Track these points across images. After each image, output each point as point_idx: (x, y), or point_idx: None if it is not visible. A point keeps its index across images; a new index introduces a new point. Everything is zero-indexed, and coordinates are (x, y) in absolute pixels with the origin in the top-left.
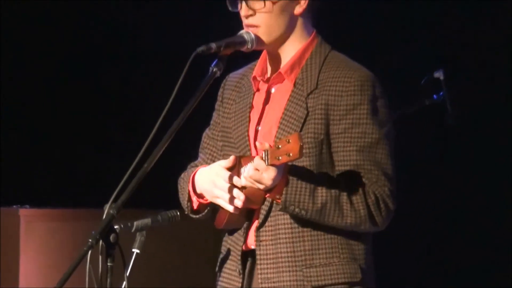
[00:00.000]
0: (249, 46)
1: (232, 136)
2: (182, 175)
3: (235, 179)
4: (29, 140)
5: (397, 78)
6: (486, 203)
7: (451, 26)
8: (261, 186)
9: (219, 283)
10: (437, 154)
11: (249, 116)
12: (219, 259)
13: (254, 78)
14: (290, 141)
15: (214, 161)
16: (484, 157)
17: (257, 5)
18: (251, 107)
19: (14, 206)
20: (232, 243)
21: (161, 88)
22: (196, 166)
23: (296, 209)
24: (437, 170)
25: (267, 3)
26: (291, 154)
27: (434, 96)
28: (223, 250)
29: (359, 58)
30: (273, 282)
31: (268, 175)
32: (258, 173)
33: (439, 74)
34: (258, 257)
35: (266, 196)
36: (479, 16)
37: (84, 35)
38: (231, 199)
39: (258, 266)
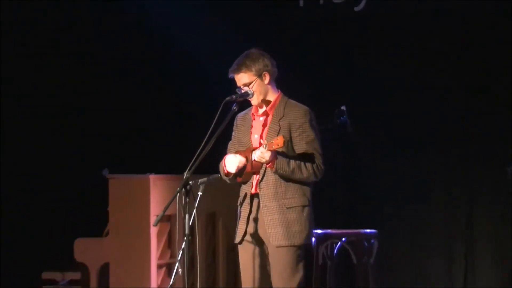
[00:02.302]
0: (251, 97)
1: (242, 141)
2: (221, 162)
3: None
4: (157, 133)
5: (324, 109)
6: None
7: (357, 78)
8: (264, 160)
9: (241, 209)
10: (342, 148)
11: (250, 131)
12: (240, 198)
13: (253, 114)
14: (278, 139)
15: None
16: (369, 151)
17: (246, 81)
18: (251, 127)
19: (146, 174)
20: (246, 190)
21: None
22: None
23: (280, 171)
24: (342, 155)
25: (251, 84)
26: (279, 145)
27: (342, 118)
28: (242, 194)
29: (302, 98)
30: (268, 207)
31: (267, 155)
32: (262, 154)
33: (343, 107)
34: (260, 196)
35: (266, 165)
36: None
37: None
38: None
39: (260, 200)
